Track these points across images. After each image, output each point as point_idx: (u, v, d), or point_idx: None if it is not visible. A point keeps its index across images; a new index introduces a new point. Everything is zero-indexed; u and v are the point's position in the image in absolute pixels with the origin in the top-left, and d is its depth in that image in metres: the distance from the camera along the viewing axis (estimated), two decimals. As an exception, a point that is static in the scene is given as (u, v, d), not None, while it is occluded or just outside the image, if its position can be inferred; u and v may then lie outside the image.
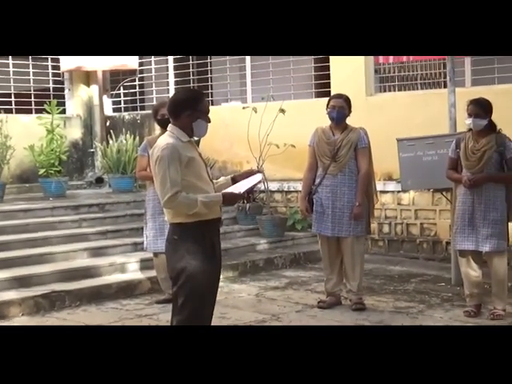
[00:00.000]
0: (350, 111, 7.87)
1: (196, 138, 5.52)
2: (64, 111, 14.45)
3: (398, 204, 11.19)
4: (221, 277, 9.27)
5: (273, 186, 12.22)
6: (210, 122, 5.37)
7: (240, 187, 5.40)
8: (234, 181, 5.52)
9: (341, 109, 7.78)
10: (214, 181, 5.42)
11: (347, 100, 7.88)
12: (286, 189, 12.20)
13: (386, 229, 11.35)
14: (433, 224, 10.87)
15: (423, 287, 9.08)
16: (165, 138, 5.24)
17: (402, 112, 11.11)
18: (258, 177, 5.49)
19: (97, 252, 9.71)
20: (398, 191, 10.86)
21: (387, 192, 11.22)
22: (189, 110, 5.21)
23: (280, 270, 10.40)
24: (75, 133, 14.60)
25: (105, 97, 14.54)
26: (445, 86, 10.17)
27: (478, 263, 7.48)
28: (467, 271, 7.50)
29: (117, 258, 9.49)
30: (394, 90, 11.79)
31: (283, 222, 11.53)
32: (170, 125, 5.34)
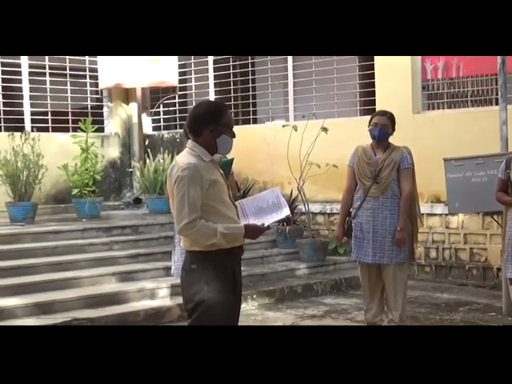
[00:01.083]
0: (393, 129, 7.31)
1: (219, 156, 5.07)
2: (102, 129, 14.16)
3: (447, 227, 10.60)
4: (256, 304, 9.11)
5: (315, 208, 11.73)
6: (234, 137, 4.90)
7: (265, 219, 4.93)
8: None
9: (383, 127, 7.22)
10: None
11: (391, 117, 7.32)
12: (328, 211, 11.67)
13: (433, 254, 10.77)
14: (483, 249, 10.27)
15: (471, 317, 8.51)
16: (185, 157, 4.77)
17: (450, 130, 10.56)
18: (285, 211, 4.98)
19: (126, 276, 9.29)
20: (446, 214, 10.27)
21: (435, 215, 10.67)
22: (211, 125, 4.76)
23: (319, 296, 9.88)
24: (113, 152, 14.23)
25: (144, 115, 14.17)
26: (496, 103, 9.63)
27: (531, 292, 6.91)
28: (519, 301, 6.93)
29: (146, 282, 9.04)
30: (443, 108, 11.21)
31: (324, 245, 11.00)
32: (189, 141, 4.87)
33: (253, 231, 4.82)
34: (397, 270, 7.23)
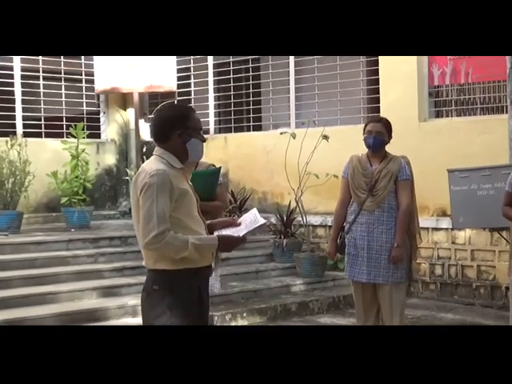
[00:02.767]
0: (390, 137, 6.78)
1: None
2: (99, 136, 13.67)
3: (453, 243, 10.02)
4: (246, 323, 8.55)
5: (315, 220, 11.22)
6: (204, 140, 4.47)
7: (239, 230, 4.47)
8: (211, 228, 4.53)
9: (378, 134, 6.68)
10: None
11: (387, 124, 6.78)
12: (329, 223, 11.04)
13: (438, 270, 10.18)
14: (491, 266, 9.68)
15: (477, 341, 7.89)
16: (154, 163, 4.30)
17: (459, 139, 9.98)
18: (261, 220, 4.52)
19: (108, 292, 8.78)
20: (453, 229, 9.67)
21: (441, 229, 10.09)
22: (179, 129, 4.31)
23: (315, 315, 9.31)
24: (109, 159, 13.71)
25: (142, 121, 13.63)
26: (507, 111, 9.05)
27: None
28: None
29: (129, 298, 8.50)
30: (451, 116, 10.63)
31: (323, 260, 10.40)
32: (156, 148, 4.40)
33: (227, 242, 4.39)
34: (393, 289, 6.70)
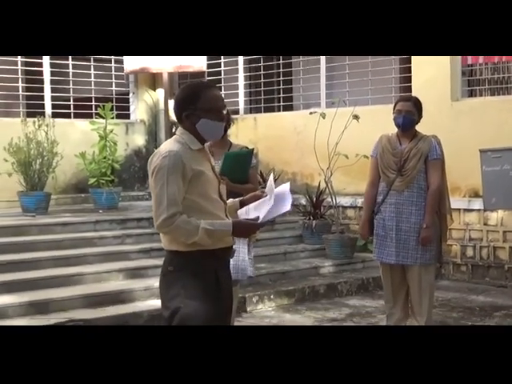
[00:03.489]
0: (420, 116, 6.60)
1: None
2: (128, 116, 13.58)
3: (485, 224, 9.84)
4: (273, 305, 8.45)
5: (345, 202, 11.10)
6: (222, 120, 4.27)
7: (260, 212, 4.24)
8: (243, 204, 4.40)
9: (408, 113, 6.51)
10: None
11: (417, 103, 6.60)
12: (359, 204, 10.87)
13: (469, 252, 10.00)
14: (524, 248, 9.48)
15: (508, 323, 7.76)
16: (170, 143, 4.18)
17: (492, 119, 9.78)
18: (286, 207, 4.28)
19: (135, 273, 8.69)
20: (485, 210, 9.47)
21: (472, 210, 9.91)
22: (187, 110, 4.16)
23: (344, 297, 9.20)
24: (138, 140, 13.61)
25: (171, 101, 13.50)
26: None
27: None
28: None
29: (155, 280, 8.28)
30: (484, 95, 10.40)
31: (353, 241, 10.27)
32: (179, 127, 4.28)
33: (243, 228, 4.21)
34: (422, 271, 6.55)
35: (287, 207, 4.28)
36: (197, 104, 4.14)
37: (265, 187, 4.51)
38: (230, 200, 4.44)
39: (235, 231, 4.13)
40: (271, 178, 4.44)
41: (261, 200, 4.35)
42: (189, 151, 4.10)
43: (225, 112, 4.36)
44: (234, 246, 4.40)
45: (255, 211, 4.29)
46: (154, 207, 4.05)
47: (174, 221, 3.97)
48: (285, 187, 4.40)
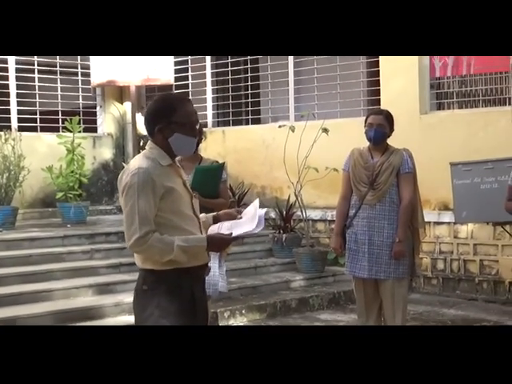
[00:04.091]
0: (391, 130, 6.60)
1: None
2: (95, 130, 13.46)
3: (455, 237, 9.84)
4: (245, 320, 8.38)
5: (315, 215, 11.05)
6: (195, 136, 4.19)
7: (235, 228, 4.19)
8: (216, 220, 4.33)
9: (379, 127, 6.51)
10: None
11: (388, 116, 6.60)
12: (329, 217, 10.88)
13: (440, 265, 9.99)
14: (494, 261, 9.50)
15: (481, 337, 7.72)
16: (139, 160, 4.07)
17: (460, 132, 9.79)
18: (258, 226, 4.20)
19: (104, 289, 8.59)
20: (455, 223, 9.50)
21: (442, 223, 9.90)
22: (161, 123, 4.04)
23: (315, 311, 9.13)
24: (106, 153, 13.49)
25: (139, 114, 13.41)
26: (510, 103, 8.89)
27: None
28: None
29: (125, 296, 8.29)
30: (453, 108, 10.44)
31: (323, 255, 10.24)
32: (148, 142, 4.16)
33: (217, 242, 4.11)
34: (395, 285, 6.54)
35: (258, 227, 4.24)
36: (172, 117, 4.05)
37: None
38: (203, 215, 4.36)
39: (209, 246, 4.06)
40: (256, 203, 4.36)
41: (235, 221, 4.29)
42: (159, 167, 4.02)
43: (197, 127, 4.31)
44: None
45: (227, 231, 4.23)
46: (126, 227, 3.96)
47: (147, 240, 3.89)
48: (260, 211, 4.36)
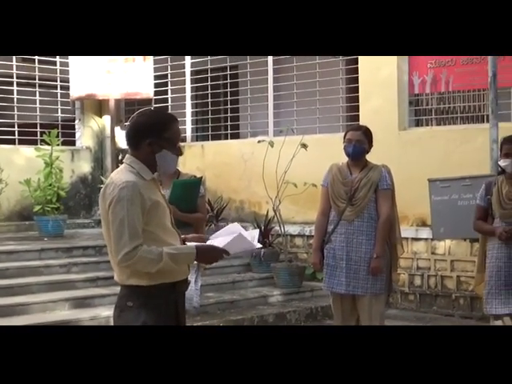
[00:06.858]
0: (370, 146, 6.64)
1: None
2: (73, 143, 13.42)
3: (432, 253, 9.84)
4: (222, 335, 8.34)
5: (293, 230, 11.02)
6: (180, 154, 4.24)
7: (226, 244, 4.18)
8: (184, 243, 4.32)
9: (358, 143, 6.55)
10: None
11: (367, 133, 6.64)
12: (307, 233, 10.87)
13: (417, 281, 10.00)
14: (471, 277, 9.41)
15: (459, 353, 7.74)
16: (123, 173, 4.05)
17: (439, 149, 9.84)
18: (254, 244, 4.25)
19: (81, 302, 8.55)
20: (432, 239, 9.53)
21: (420, 239, 9.91)
22: (151, 138, 4.04)
23: (293, 327, 9.09)
24: (84, 167, 13.44)
25: (118, 128, 13.40)
26: (488, 120, 8.93)
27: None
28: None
29: (102, 310, 8.27)
30: (431, 125, 10.48)
31: (301, 270, 10.23)
32: (127, 156, 4.15)
33: (208, 253, 4.14)
34: (373, 301, 6.57)
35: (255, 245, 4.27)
36: (164, 133, 4.07)
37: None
38: None
39: (199, 255, 4.07)
40: (257, 233, 4.39)
41: (223, 238, 4.28)
42: (142, 181, 4.03)
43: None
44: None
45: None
46: (114, 241, 3.94)
47: (137, 253, 3.88)
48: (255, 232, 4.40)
